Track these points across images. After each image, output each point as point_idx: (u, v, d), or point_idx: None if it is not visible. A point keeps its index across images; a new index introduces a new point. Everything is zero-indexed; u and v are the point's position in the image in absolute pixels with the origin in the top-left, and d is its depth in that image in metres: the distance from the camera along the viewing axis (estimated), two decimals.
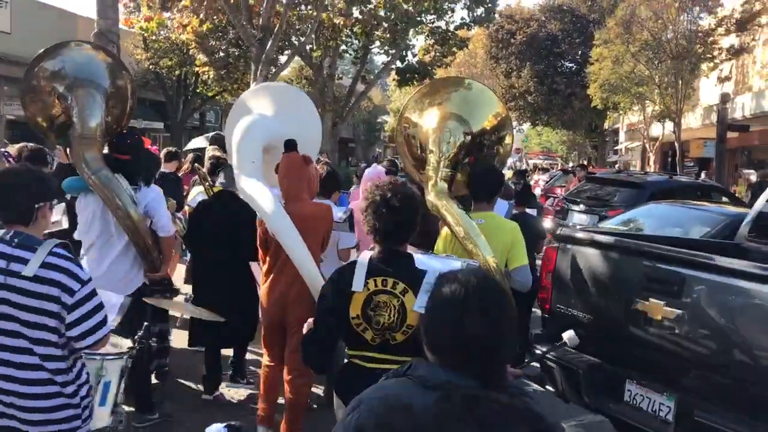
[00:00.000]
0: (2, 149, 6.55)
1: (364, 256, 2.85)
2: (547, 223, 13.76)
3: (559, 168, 26.00)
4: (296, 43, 21.05)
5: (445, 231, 4.20)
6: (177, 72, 26.52)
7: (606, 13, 29.90)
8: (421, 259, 2.92)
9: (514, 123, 47.14)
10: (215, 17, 16.72)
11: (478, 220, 4.07)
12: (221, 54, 22.00)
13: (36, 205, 2.78)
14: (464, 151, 4.43)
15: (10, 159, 5.89)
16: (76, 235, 4.70)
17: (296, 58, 19.74)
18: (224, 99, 26.52)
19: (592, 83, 27.52)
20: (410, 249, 3.02)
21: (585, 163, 20.94)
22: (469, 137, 4.41)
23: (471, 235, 3.88)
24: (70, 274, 2.70)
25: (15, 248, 2.70)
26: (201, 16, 16.57)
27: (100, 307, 2.79)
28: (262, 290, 4.51)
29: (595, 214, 10.67)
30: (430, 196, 4.14)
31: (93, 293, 2.78)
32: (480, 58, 40.34)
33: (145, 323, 3.59)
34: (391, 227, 2.77)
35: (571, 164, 46.78)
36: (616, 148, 45.88)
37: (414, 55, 23.76)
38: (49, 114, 4.74)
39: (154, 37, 25.11)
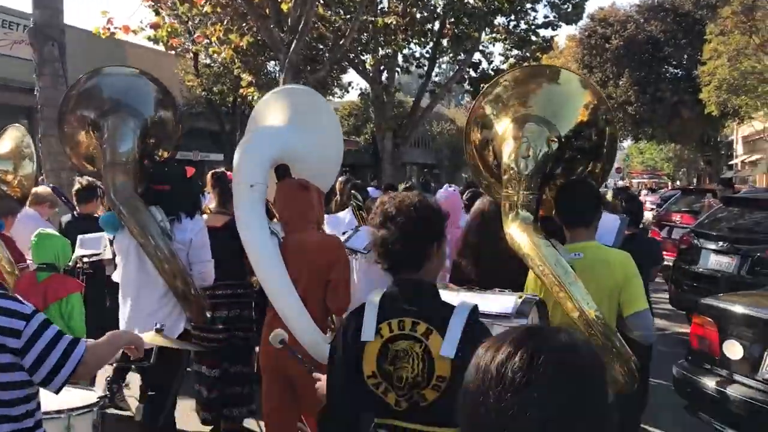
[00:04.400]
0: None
1: (376, 294, 2.32)
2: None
3: (675, 186, 21.12)
4: (351, 54, 18.51)
5: (532, 274, 3.37)
6: (230, 98, 24.51)
7: (717, 6, 25.64)
8: (462, 295, 2.63)
9: None
10: (244, 24, 14.21)
11: (575, 254, 3.24)
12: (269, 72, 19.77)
13: None
14: (551, 164, 3.51)
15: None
16: (113, 277, 4.49)
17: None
18: None
19: (704, 86, 23.42)
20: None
21: (728, 178, 16.28)
22: (555, 145, 3.47)
23: (563, 282, 3.07)
24: (9, 312, 2.29)
25: None
26: (225, 23, 14.17)
27: (57, 337, 2.35)
28: (263, 334, 3.94)
29: (745, 255, 7.05)
30: (510, 230, 3.36)
31: (44, 325, 2.34)
32: (572, 68, 36.75)
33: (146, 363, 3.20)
34: (400, 249, 2.26)
35: (677, 182, 41.91)
36: (730, 162, 41.31)
37: (490, 63, 20.67)
38: (84, 144, 4.61)
39: (206, 60, 23.41)
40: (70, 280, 4.46)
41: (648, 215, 14.84)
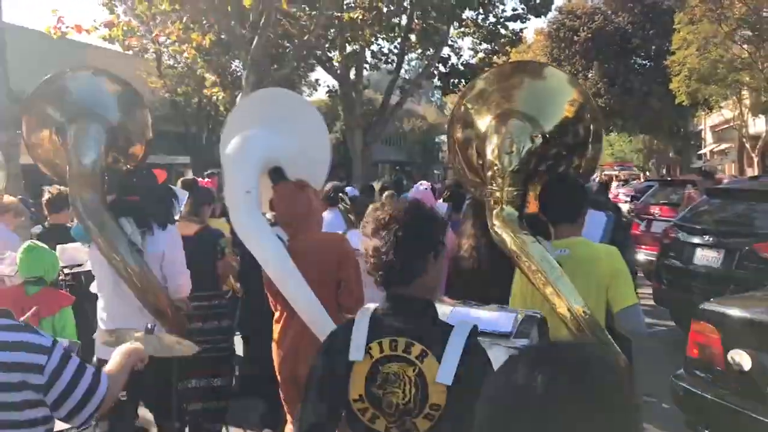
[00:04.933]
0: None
1: (366, 310, 2.17)
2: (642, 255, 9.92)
3: (648, 178, 21.16)
4: (318, 52, 18.05)
5: (518, 271, 3.36)
6: (195, 99, 23.88)
7: None
8: (456, 310, 2.65)
9: None
10: (204, 20, 13.69)
11: (561, 251, 3.19)
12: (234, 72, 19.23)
13: None
14: (536, 159, 3.45)
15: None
16: (91, 288, 4.33)
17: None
18: None
19: (674, 76, 23.36)
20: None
21: (706, 169, 16.11)
22: (540, 140, 3.43)
23: (549, 277, 3.05)
24: (29, 346, 2.17)
25: None
26: (185, 20, 13.64)
27: (80, 371, 2.26)
28: (274, 341, 3.93)
29: (732, 249, 6.75)
30: (495, 227, 3.35)
31: (65, 357, 2.23)
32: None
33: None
34: (394, 260, 2.06)
35: (647, 173, 42.08)
36: (699, 152, 41.57)
37: (459, 57, 20.37)
38: (47, 150, 4.31)
39: (170, 61, 22.76)
40: (60, 293, 4.33)
41: (623, 208, 14.57)
